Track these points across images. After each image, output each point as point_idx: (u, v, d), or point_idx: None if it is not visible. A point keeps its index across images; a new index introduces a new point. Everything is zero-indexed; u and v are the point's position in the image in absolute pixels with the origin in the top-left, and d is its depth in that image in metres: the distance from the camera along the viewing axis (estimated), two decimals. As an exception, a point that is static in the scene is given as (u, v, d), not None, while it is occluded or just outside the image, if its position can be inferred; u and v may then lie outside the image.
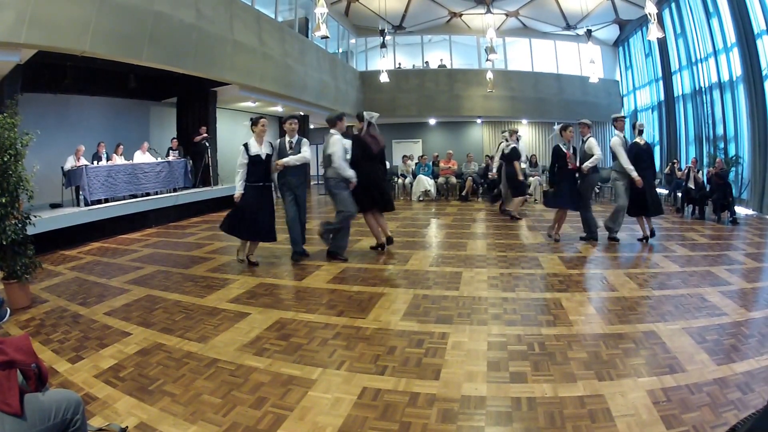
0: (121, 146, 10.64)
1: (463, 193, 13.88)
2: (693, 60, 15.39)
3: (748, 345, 3.29)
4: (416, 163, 14.92)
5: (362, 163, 6.21)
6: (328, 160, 6.06)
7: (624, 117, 7.25)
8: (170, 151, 11.93)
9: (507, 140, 10.25)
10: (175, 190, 11.24)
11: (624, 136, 7.11)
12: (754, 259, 6.17)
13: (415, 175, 14.41)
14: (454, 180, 14.49)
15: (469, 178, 13.85)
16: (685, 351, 3.18)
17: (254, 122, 5.89)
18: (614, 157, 7.03)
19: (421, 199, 13.85)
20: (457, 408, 2.51)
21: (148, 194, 10.44)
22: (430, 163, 14.79)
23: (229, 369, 3.02)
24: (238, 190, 5.73)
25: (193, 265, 6.17)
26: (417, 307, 4.15)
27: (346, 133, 6.40)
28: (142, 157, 11.05)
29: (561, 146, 7.18)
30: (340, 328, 3.68)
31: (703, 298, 4.38)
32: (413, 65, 22.37)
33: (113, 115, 12.37)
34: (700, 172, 10.96)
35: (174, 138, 12.60)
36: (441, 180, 14.40)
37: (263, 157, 5.81)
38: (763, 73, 11.40)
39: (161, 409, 2.56)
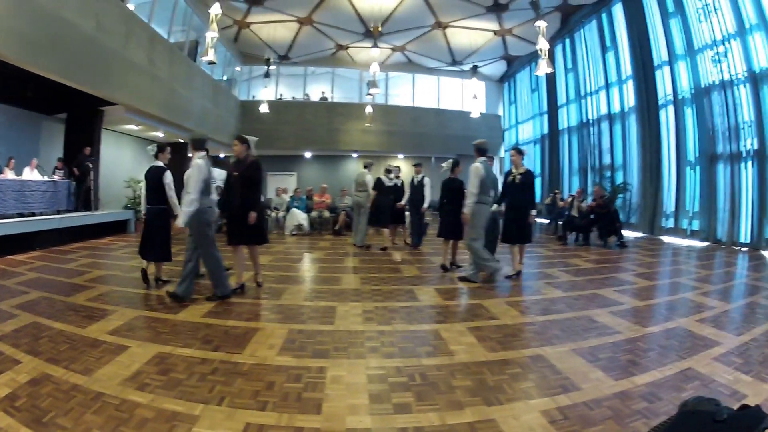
0: (13, 160, 9.95)
1: (337, 228, 13.89)
2: (582, 93, 16.28)
3: (648, 358, 3.49)
4: (290, 197, 14.78)
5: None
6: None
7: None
8: (56, 171, 11.21)
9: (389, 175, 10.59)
10: (59, 212, 10.57)
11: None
12: (647, 279, 6.50)
13: (288, 209, 14.24)
14: (327, 214, 14.46)
15: (343, 212, 13.90)
16: (577, 371, 3.30)
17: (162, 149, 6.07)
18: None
19: (294, 233, 13.62)
20: (344, 441, 2.50)
21: (33, 214, 9.76)
22: (304, 197, 14.67)
23: (114, 403, 2.90)
24: None
25: (75, 292, 5.87)
26: (293, 342, 4.10)
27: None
28: (30, 174, 10.39)
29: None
30: (217, 363, 3.60)
31: (592, 319, 4.60)
32: (293, 97, 22.37)
33: (7, 125, 11.49)
34: (584, 201, 11.39)
35: (60, 157, 11.83)
36: (314, 214, 14.30)
37: None
38: (660, 102, 12.34)
39: (56, 443, 2.42)
